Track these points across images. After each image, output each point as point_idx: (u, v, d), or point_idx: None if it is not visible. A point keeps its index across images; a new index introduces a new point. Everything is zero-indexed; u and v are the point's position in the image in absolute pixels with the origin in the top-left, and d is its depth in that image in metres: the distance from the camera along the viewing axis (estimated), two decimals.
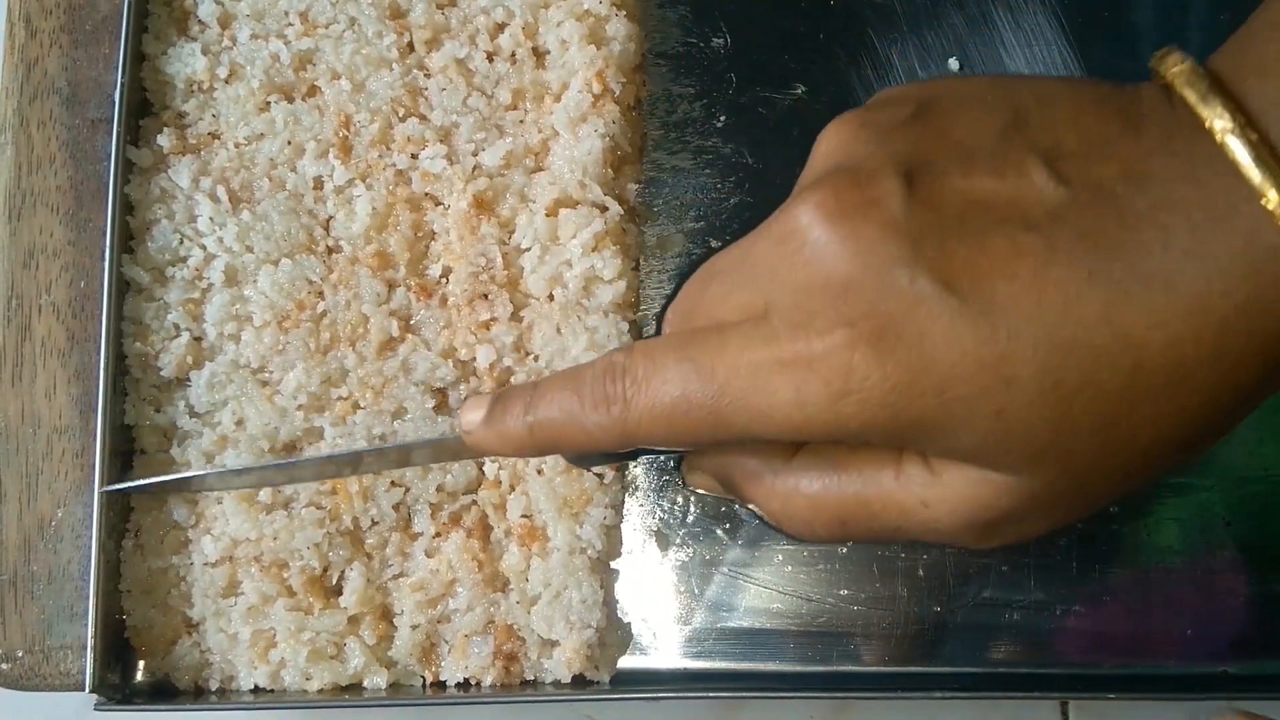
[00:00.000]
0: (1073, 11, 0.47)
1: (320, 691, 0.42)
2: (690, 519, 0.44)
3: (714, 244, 0.46)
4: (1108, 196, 0.27)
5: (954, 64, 0.47)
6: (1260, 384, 0.27)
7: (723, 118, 0.47)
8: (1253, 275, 0.26)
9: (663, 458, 0.44)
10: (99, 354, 0.43)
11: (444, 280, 0.44)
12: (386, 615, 0.43)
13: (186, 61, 0.45)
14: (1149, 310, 0.26)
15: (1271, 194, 0.26)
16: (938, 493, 0.30)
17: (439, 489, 0.43)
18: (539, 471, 0.43)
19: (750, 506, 0.35)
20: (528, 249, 0.44)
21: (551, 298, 0.44)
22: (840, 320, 0.28)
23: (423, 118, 0.45)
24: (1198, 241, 0.26)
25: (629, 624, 0.44)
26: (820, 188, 0.29)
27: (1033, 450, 0.28)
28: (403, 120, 0.45)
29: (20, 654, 0.43)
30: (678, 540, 0.44)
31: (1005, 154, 0.28)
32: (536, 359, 0.43)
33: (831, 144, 0.31)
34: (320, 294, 0.44)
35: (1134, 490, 0.30)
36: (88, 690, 0.41)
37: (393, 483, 0.43)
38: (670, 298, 0.46)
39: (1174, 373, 0.27)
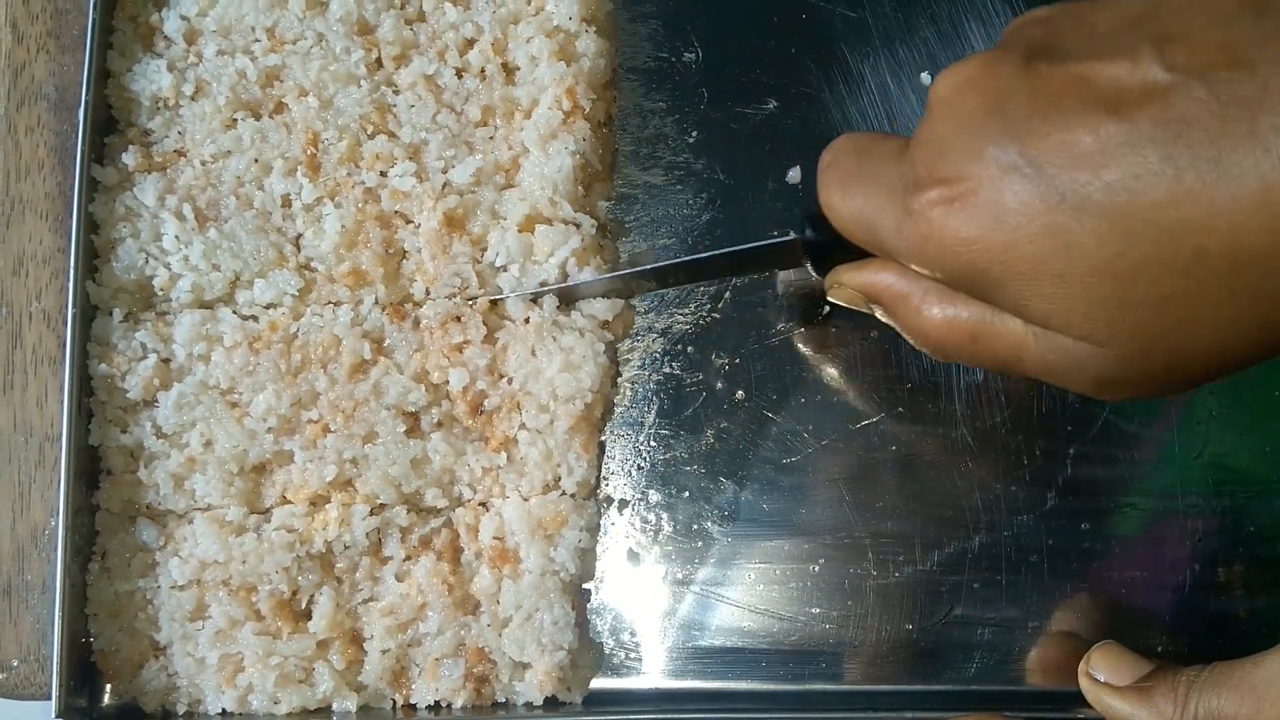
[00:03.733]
0: None
1: (288, 715, 0.41)
2: (661, 538, 0.44)
3: None
4: (1210, 84, 0.27)
5: (925, 78, 0.47)
6: None
7: (694, 133, 0.47)
8: None
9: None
10: (63, 375, 0.42)
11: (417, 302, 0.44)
12: (356, 640, 0.42)
13: (152, 78, 0.44)
14: (1213, 198, 0.27)
15: None
16: (1043, 340, 0.32)
17: (409, 510, 0.43)
18: (505, 496, 0.42)
19: (890, 322, 0.38)
20: (502, 267, 0.44)
21: (527, 321, 0.43)
22: (932, 177, 0.31)
23: (391, 135, 0.45)
24: None
25: (601, 644, 0.44)
26: (960, 62, 0.32)
27: (1100, 318, 0.30)
28: (371, 137, 0.44)
29: (15, 663, 0.43)
30: (650, 559, 0.44)
31: (1125, 40, 0.29)
32: (510, 381, 0.43)
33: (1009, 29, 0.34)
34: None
35: (1225, 369, 0.31)
36: (54, 714, 0.40)
37: (370, 511, 0.42)
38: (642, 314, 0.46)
39: (1238, 259, 0.27)
